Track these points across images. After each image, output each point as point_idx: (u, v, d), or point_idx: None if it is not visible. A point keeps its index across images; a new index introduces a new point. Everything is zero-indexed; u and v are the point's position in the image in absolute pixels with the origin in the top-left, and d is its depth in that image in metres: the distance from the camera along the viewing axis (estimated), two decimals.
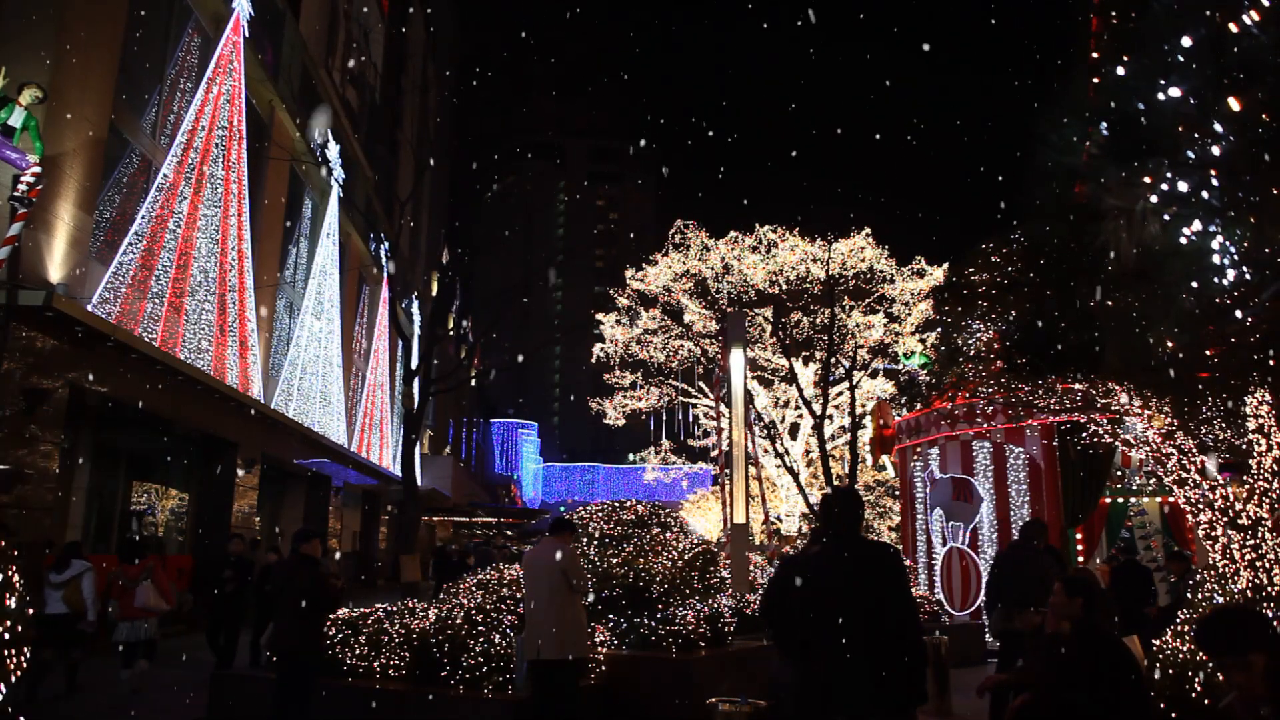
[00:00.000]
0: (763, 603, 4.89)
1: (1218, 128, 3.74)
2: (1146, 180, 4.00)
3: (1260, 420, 5.46)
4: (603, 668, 7.86)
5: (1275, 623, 4.80)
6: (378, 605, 8.63)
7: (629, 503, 10.30)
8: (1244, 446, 5.65)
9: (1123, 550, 11.72)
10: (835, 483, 20.86)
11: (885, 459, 19.96)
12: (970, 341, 6.46)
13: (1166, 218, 4.01)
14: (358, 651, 7.67)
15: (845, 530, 4.10)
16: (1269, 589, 5.42)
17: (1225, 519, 5.74)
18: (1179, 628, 5.73)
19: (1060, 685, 4.30)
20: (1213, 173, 3.85)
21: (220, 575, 10.94)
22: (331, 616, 7.73)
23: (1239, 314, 4.29)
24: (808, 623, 4.05)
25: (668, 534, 9.97)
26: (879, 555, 4.02)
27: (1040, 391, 6.54)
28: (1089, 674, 4.14)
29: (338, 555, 20.70)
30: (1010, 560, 7.51)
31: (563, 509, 52.51)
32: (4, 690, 3.74)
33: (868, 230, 22.95)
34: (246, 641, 10.89)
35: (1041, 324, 5.51)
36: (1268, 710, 2.72)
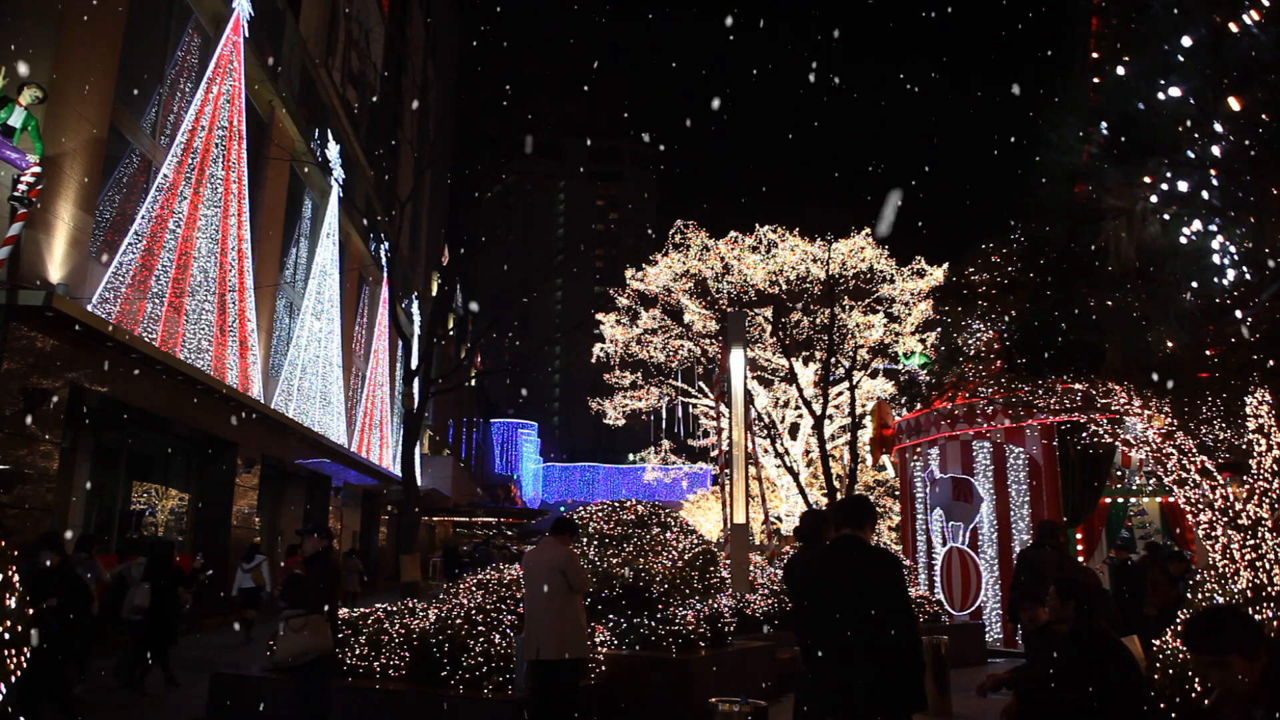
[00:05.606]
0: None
1: (1218, 128, 3.74)
2: (1146, 180, 4.00)
3: (1260, 420, 5.46)
4: (603, 668, 7.86)
5: (1276, 623, 4.80)
6: (378, 605, 8.63)
7: (629, 503, 10.29)
8: (1244, 446, 5.65)
9: (1122, 550, 11.76)
10: (835, 483, 20.85)
11: (885, 459, 19.97)
12: (970, 341, 6.45)
13: (1166, 218, 4.01)
14: (358, 651, 7.67)
15: (845, 535, 4.07)
16: (1269, 589, 5.42)
17: (1225, 519, 5.74)
18: (1179, 628, 5.73)
19: (1047, 686, 4.31)
20: (1213, 173, 3.85)
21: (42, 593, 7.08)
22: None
23: (1239, 314, 4.29)
24: (805, 626, 4.05)
25: (668, 534, 9.96)
26: (876, 560, 3.97)
27: (1040, 391, 6.53)
28: (1084, 675, 4.13)
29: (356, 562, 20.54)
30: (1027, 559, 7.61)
31: (563, 509, 52.51)
32: (4, 690, 3.74)
33: (868, 230, 22.99)
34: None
35: (1041, 324, 5.50)
36: (1261, 711, 2.73)
